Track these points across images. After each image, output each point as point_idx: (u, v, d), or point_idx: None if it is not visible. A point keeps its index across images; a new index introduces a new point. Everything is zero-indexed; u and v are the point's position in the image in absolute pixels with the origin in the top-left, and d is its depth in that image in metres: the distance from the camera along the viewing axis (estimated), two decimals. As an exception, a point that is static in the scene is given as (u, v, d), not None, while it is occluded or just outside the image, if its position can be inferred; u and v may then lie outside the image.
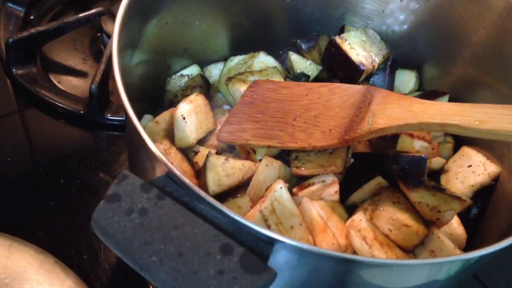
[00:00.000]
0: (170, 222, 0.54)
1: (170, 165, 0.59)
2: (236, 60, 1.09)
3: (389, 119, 0.81)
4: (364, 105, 0.85)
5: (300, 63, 1.10)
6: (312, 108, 0.90)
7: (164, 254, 0.52)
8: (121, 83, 0.70)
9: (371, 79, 1.12)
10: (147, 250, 0.53)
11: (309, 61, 1.11)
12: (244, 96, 0.96)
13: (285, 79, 1.04)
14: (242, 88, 0.98)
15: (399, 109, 0.82)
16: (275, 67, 1.05)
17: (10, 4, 1.32)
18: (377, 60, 1.07)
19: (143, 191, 0.56)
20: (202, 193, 0.57)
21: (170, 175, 0.59)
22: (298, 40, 1.15)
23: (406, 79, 1.11)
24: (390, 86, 1.11)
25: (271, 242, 0.57)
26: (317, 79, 1.09)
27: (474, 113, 0.75)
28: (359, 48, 1.06)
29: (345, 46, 1.05)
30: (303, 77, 1.06)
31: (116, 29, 0.77)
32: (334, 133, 0.85)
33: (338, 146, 0.85)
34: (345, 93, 0.90)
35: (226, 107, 1.05)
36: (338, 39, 1.06)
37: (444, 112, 0.77)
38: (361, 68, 1.03)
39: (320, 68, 1.11)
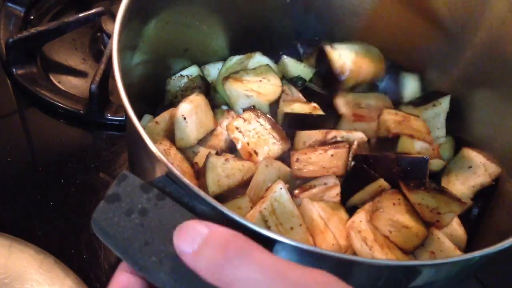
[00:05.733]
0: (170, 222, 0.54)
1: (170, 165, 0.59)
2: (234, 60, 1.09)
3: None
4: None
5: (294, 66, 1.10)
6: None
7: (164, 254, 0.52)
8: (121, 83, 0.70)
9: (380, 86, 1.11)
10: (147, 251, 0.53)
11: (303, 64, 1.10)
12: None
13: (281, 80, 1.04)
14: (238, 88, 0.98)
15: None
16: (267, 64, 1.05)
17: (10, 4, 1.32)
18: (366, 72, 1.06)
19: (143, 191, 0.55)
20: (202, 193, 0.57)
21: (170, 175, 0.59)
22: (298, 44, 1.14)
23: (410, 84, 1.10)
24: (396, 90, 1.10)
25: (271, 242, 0.57)
26: (311, 81, 1.09)
27: None
28: (348, 59, 1.05)
29: (333, 55, 1.04)
30: (299, 80, 1.06)
31: (116, 29, 0.77)
32: None
33: None
34: None
35: (225, 107, 1.05)
36: (328, 48, 1.05)
37: None
38: (341, 78, 1.03)
39: (314, 70, 1.10)
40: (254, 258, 0.47)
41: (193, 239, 0.49)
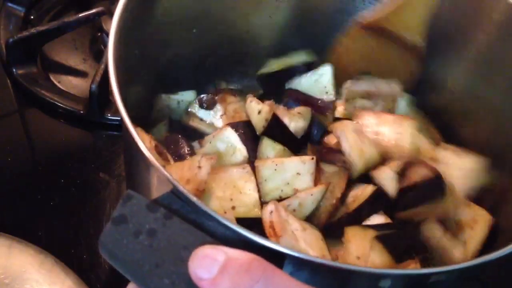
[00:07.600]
0: (179, 242, 0.52)
1: (173, 180, 0.58)
2: None
3: None
4: None
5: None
6: None
7: (176, 276, 0.51)
8: (117, 92, 0.68)
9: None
10: (159, 273, 0.51)
11: None
12: None
13: None
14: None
15: None
16: None
17: (10, 4, 1.32)
18: None
19: (149, 211, 0.54)
20: (208, 210, 0.55)
21: (175, 192, 0.57)
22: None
23: None
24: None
25: (282, 257, 0.55)
26: None
27: None
28: None
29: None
30: None
31: (112, 31, 0.75)
32: None
33: None
34: None
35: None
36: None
37: None
38: None
39: None
40: (277, 283, 0.46)
41: (211, 265, 0.48)
